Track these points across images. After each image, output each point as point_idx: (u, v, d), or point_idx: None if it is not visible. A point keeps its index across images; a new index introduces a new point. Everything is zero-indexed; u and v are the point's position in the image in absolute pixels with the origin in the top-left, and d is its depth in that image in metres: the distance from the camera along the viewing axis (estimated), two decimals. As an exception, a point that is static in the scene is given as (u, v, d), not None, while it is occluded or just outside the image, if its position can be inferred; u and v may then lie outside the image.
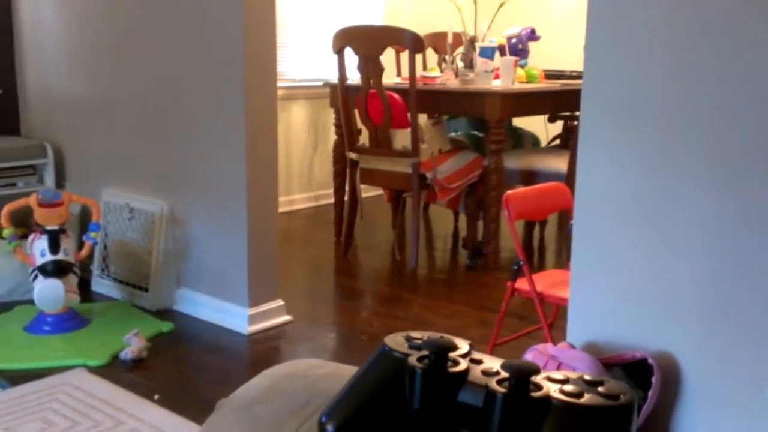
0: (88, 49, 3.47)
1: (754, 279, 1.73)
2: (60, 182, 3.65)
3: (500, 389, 0.59)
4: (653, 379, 1.81)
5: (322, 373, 0.81)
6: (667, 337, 1.88)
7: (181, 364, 2.68)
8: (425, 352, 0.64)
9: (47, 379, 2.50)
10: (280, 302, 3.10)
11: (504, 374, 0.61)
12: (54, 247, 2.86)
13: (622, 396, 0.59)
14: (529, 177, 4.06)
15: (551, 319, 2.55)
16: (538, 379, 0.61)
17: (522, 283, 2.45)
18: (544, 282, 2.46)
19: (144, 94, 3.24)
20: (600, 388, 0.60)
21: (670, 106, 1.81)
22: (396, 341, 0.67)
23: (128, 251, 3.28)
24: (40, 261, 2.86)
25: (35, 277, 2.89)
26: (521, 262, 2.41)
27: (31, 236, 2.92)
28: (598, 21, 1.92)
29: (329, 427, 0.65)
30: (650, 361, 1.83)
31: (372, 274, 3.87)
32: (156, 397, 2.39)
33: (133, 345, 2.68)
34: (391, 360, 0.66)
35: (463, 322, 3.13)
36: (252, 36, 2.84)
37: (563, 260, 4.09)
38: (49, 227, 2.87)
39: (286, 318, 3.09)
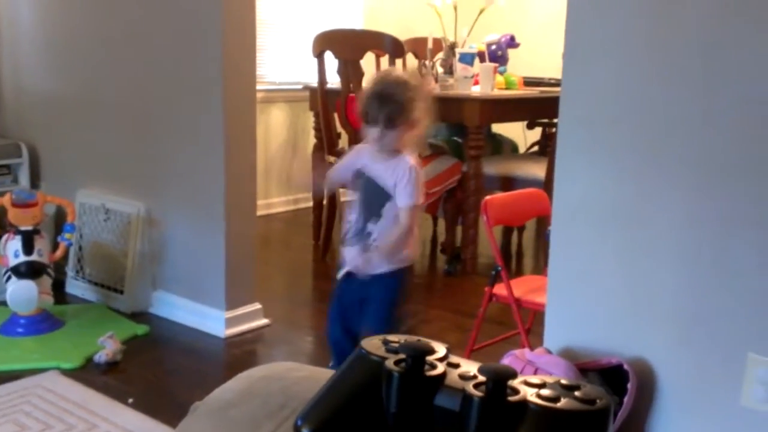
0: (65, 47, 3.43)
1: (730, 286, 1.74)
2: (34, 182, 3.60)
3: (477, 393, 0.59)
4: (629, 385, 1.82)
5: (299, 376, 0.81)
6: (643, 343, 1.89)
7: (156, 368, 2.66)
8: (402, 356, 0.64)
9: (20, 382, 2.46)
10: (257, 305, 3.08)
11: (481, 378, 0.60)
12: (28, 247, 2.82)
13: (598, 401, 0.59)
14: (508, 183, 4.08)
15: (528, 324, 2.56)
16: (515, 383, 0.60)
17: (500, 289, 2.45)
18: (522, 288, 2.46)
19: (121, 94, 3.21)
20: (576, 393, 0.60)
21: (647, 113, 1.83)
22: (373, 344, 0.67)
23: (103, 253, 3.25)
24: (13, 262, 2.82)
25: (8, 278, 2.84)
26: (499, 268, 2.41)
27: (5, 237, 2.88)
28: (576, 28, 1.93)
29: (305, 431, 0.65)
30: (626, 367, 1.84)
31: (350, 278, 3.86)
32: (130, 400, 2.37)
33: (107, 348, 2.65)
34: (368, 363, 0.65)
35: (441, 327, 3.13)
36: (231, 37, 2.82)
37: (541, 266, 4.11)
38: (22, 228, 2.84)
39: (264, 321, 3.07)
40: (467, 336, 2.73)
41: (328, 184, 2.33)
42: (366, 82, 2.22)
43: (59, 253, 2.99)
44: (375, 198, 2.13)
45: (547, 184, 3.70)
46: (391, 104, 2.04)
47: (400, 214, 2.11)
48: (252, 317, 3.04)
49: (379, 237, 2.13)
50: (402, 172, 2.10)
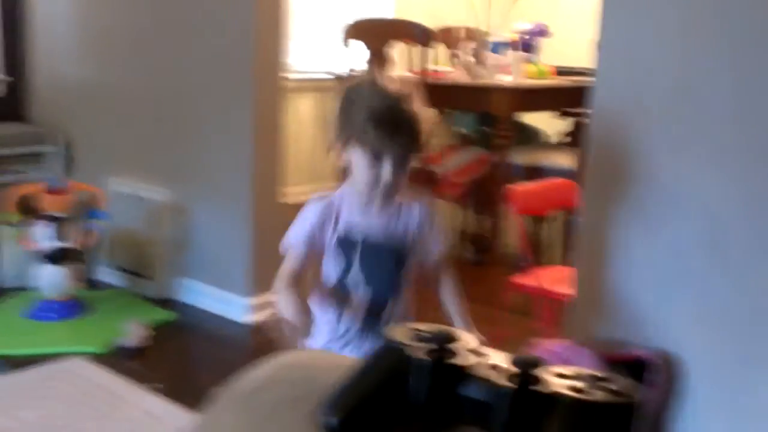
0: (98, 37, 3.45)
1: (764, 283, 1.71)
2: (68, 170, 3.64)
3: (508, 384, 0.58)
4: (656, 378, 1.80)
5: (323, 363, 0.80)
6: (671, 336, 1.86)
7: (181, 354, 2.67)
8: (431, 345, 0.63)
9: (49, 366, 2.49)
10: (283, 293, 3.08)
11: (511, 369, 0.59)
12: (60, 234, 2.85)
13: (629, 392, 0.58)
14: (536, 173, 4.04)
15: (555, 315, 2.54)
16: (546, 374, 0.59)
17: (526, 279, 2.43)
18: (549, 278, 2.44)
19: (152, 84, 3.23)
20: (607, 385, 0.59)
21: (679, 100, 1.79)
22: (401, 333, 0.66)
23: (132, 240, 3.27)
24: (45, 247, 2.85)
25: (40, 263, 2.88)
26: (527, 258, 2.39)
27: (38, 223, 2.91)
28: (611, 14, 1.90)
29: (331, 420, 0.64)
30: (653, 359, 1.82)
31: (376, 267, 3.85)
32: (158, 386, 2.38)
33: (134, 334, 2.67)
34: (396, 352, 0.64)
35: (467, 318, 3.11)
36: (261, 27, 2.82)
37: (569, 257, 4.07)
38: (55, 214, 2.87)
39: (289, 309, 3.07)
40: (493, 326, 2.70)
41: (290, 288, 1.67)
42: (342, 95, 1.60)
43: (90, 239, 3.01)
44: (387, 264, 1.61)
45: (578, 175, 3.66)
46: (407, 133, 1.52)
47: (441, 264, 1.70)
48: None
49: (402, 313, 1.66)
50: (422, 218, 1.65)
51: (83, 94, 3.56)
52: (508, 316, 2.54)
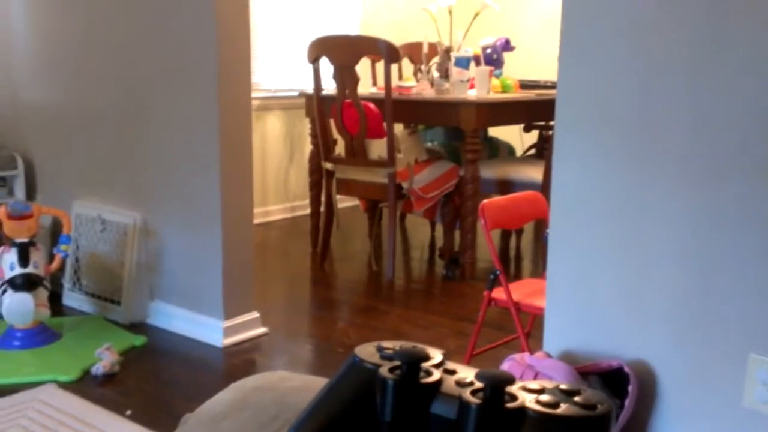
0: (59, 58, 3.42)
1: (730, 286, 1.72)
2: (30, 194, 3.59)
3: (474, 400, 0.57)
4: (630, 388, 1.81)
5: (292, 385, 0.79)
6: (644, 345, 1.87)
7: (154, 379, 2.64)
8: (397, 363, 0.62)
9: (17, 395, 2.44)
10: (255, 314, 3.06)
11: (478, 384, 0.59)
12: (23, 260, 2.80)
13: (599, 406, 0.58)
14: (505, 186, 4.06)
15: (528, 328, 2.54)
16: (513, 389, 0.59)
17: (499, 293, 2.43)
18: (521, 291, 2.45)
19: (116, 105, 3.20)
20: (576, 398, 0.58)
21: (642, 114, 1.81)
22: (367, 351, 0.65)
23: (100, 264, 3.23)
24: (9, 274, 2.80)
25: (4, 290, 2.82)
26: (498, 272, 2.39)
27: (0, 249, 2.86)
28: (571, 29, 1.92)
29: (298, 442, 0.63)
30: (626, 369, 1.83)
31: (348, 285, 3.85)
32: (128, 412, 2.34)
33: (104, 359, 2.63)
34: (362, 371, 0.63)
35: (440, 333, 3.11)
36: (225, 45, 2.81)
37: (539, 269, 4.09)
38: (18, 240, 2.82)
39: (262, 330, 3.06)
40: (467, 341, 2.71)
41: None
42: None
43: (55, 264, 2.97)
44: None
45: (545, 187, 3.69)
46: None
47: None
48: (250, 326, 3.03)
49: None
50: None
51: (45, 117, 3.52)
52: (481, 330, 2.54)
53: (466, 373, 0.62)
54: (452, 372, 0.63)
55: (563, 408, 0.57)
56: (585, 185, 1.93)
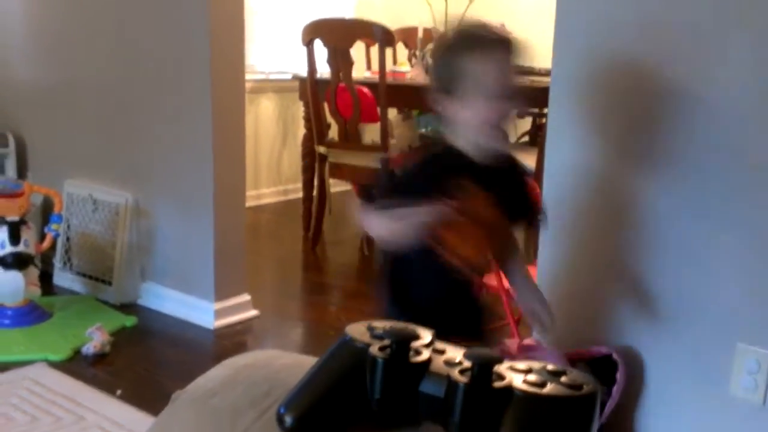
0: (50, 37, 3.40)
1: (718, 276, 1.74)
2: (21, 172, 3.57)
3: (462, 379, 0.58)
4: (618, 375, 1.82)
5: (283, 363, 0.79)
6: (632, 333, 1.89)
7: (144, 359, 2.64)
8: (387, 342, 0.63)
9: (7, 374, 2.44)
10: (247, 297, 3.06)
11: (466, 364, 0.59)
12: (14, 238, 2.80)
13: (584, 386, 0.58)
14: (498, 173, 4.07)
15: (518, 315, 2.56)
16: (501, 368, 0.60)
17: (490, 279, 2.44)
18: (512, 277, 2.45)
19: (108, 84, 3.19)
20: (563, 378, 0.59)
21: (635, 101, 1.82)
22: (357, 330, 0.66)
23: (91, 244, 3.22)
24: (-1, 253, 2.80)
25: (-6, 269, 2.82)
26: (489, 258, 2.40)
27: (-9, 227, 2.85)
28: (566, 15, 1.92)
29: (288, 418, 0.63)
30: (615, 356, 1.84)
31: (340, 269, 3.85)
32: (118, 392, 2.35)
33: (95, 339, 2.63)
34: (352, 349, 0.64)
35: (431, 318, 3.12)
36: (219, 27, 2.80)
37: (531, 256, 4.10)
38: (9, 218, 2.81)
39: (253, 313, 3.06)
40: (457, 326, 2.72)
41: None
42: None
43: (46, 243, 2.97)
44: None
45: (538, 174, 3.70)
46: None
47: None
48: (241, 308, 3.03)
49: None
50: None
51: (37, 95, 3.50)
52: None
53: (455, 353, 0.63)
54: (441, 351, 0.63)
55: (549, 387, 0.57)
56: (577, 172, 1.94)
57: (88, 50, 3.25)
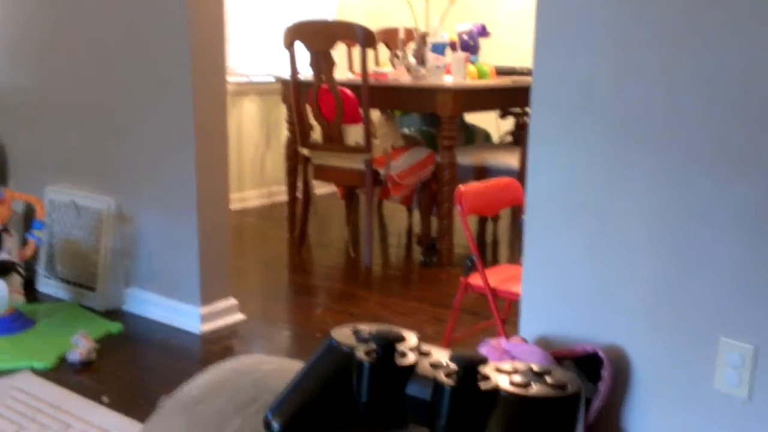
0: (30, 43, 3.37)
1: (700, 272, 1.75)
2: (2, 179, 3.54)
3: (448, 381, 0.58)
4: (604, 373, 1.83)
5: (269, 368, 0.79)
6: (617, 330, 1.90)
7: (130, 366, 2.63)
8: (372, 345, 0.63)
9: (-10, 383, 2.43)
10: (232, 301, 3.06)
11: (452, 366, 0.60)
12: (-3, 246, 2.78)
13: (569, 386, 0.59)
14: (482, 173, 4.08)
15: (504, 314, 2.57)
16: (487, 370, 0.60)
17: (475, 279, 2.45)
18: (497, 277, 2.47)
19: (89, 89, 3.17)
20: (547, 378, 0.60)
21: (616, 103, 1.83)
22: (343, 334, 0.66)
23: (74, 250, 3.21)
24: (-18, 261, 2.77)
25: (-23, 277, 2.80)
26: (474, 258, 2.41)
27: (-27, 236, 2.83)
28: (546, 16, 1.93)
29: (275, 424, 0.64)
30: (600, 354, 1.85)
31: (326, 271, 3.85)
32: (105, 399, 2.34)
33: (80, 346, 2.62)
34: (338, 353, 0.64)
35: (418, 319, 3.13)
36: (198, 29, 2.79)
37: (516, 255, 4.12)
38: (-9, 226, 2.79)
39: (239, 317, 3.05)
40: (444, 327, 2.73)
41: None
42: None
43: (29, 250, 2.94)
44: None
45: (521, 174, 3.71)
46: None
47: None
48: (227, 312, 3.02)
49: None
50: None
51: (16, 101, 3.48)
52: (458, 315, 2.56)
53: (441, 356, 0.63)
54: (427, 354, 0.64)
55: (534, 388, 0.58)
56: (560, 173, 1.95)
57: (67, 56, 3.23)
